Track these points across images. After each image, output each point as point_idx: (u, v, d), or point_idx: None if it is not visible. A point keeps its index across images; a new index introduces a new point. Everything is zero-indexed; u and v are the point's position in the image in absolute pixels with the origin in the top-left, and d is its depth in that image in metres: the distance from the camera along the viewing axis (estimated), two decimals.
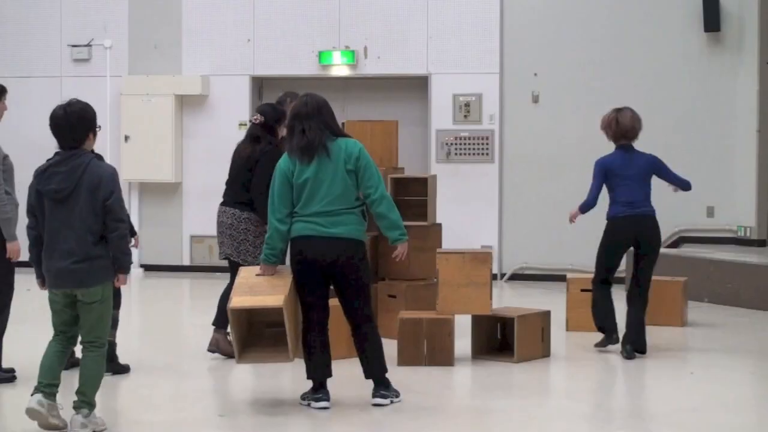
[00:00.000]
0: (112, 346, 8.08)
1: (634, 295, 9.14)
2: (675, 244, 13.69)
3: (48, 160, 6.55)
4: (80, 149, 6.48)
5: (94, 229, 6.40)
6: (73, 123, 6.46)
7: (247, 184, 8.77)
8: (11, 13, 15.22)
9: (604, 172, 9.18)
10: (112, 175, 6.49)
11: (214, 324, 8.94)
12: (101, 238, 6.44)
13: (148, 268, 14.98)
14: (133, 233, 8.36)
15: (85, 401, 6.47)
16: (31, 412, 6.48)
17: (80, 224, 6.39)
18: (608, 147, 9.36)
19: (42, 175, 6.50)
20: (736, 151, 13.81)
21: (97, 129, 6.61)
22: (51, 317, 6.62)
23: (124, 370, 8.24)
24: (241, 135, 14.76)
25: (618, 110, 9.26)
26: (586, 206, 9.24)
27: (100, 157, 8.10)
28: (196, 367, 8.73)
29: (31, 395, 6.54)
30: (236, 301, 7.03)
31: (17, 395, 7.49)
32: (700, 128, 13.88)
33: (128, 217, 8.26)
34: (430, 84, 14.43)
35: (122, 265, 6.50)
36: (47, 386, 6.54)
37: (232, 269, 8.85)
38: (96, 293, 6.45)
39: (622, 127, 9.18)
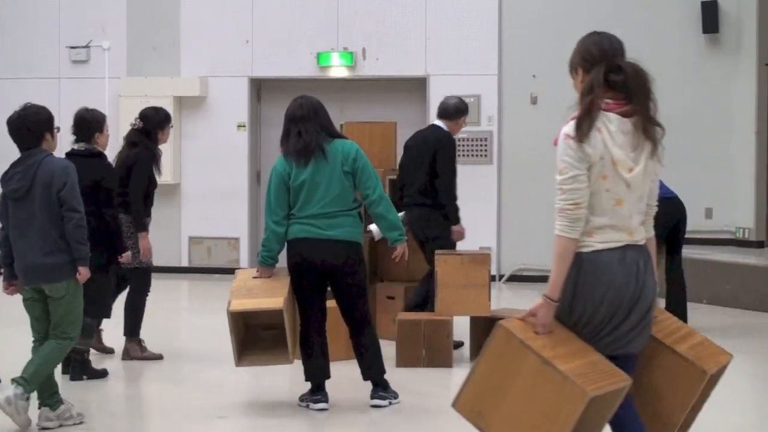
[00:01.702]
0: (83, 353, 8.09)
1: (677, 279, 10.06)
2: None
3: None
4: (37, 148, 6.58)
5: (56, 223, 6.51)
6: (28, 125, 6.58)
7: (121, 188, 8.73)
8: (9, 15, 15.23)
9: None
10: (65, 168, 6.58)
11: (124, 334, 8.87)
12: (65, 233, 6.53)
13: None
14: (123, 249, 8.30)
15: (24, 378, 6.51)
16: (42, 428, 6.63)
17: (41, 220, 6.51)
18: None
19: (4, 177, 6.65)
20: (735, 153, 13.85)
21: (56, 130, 6.71)
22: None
23: (100, 375, 8.19)
24: (240, 136, 14.98)
25: None
26: None
27: (100, 155, 8.17)
28: (193, 369, 8.75)
29: (38, 408, 6.67)
30: (236, 304, 7.04)
31: None
32: (698, 130, 13.91)
33: (120, 231, 8.27)
34: (429, 85, 14.45)
35: (78, 255, 6.54)
36: (48, 397, 6.67)
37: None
38: (62, 288, 6.54)
39: None
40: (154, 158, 8.76)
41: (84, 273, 6.58)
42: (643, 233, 4.47)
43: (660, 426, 4.55)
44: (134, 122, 8.88)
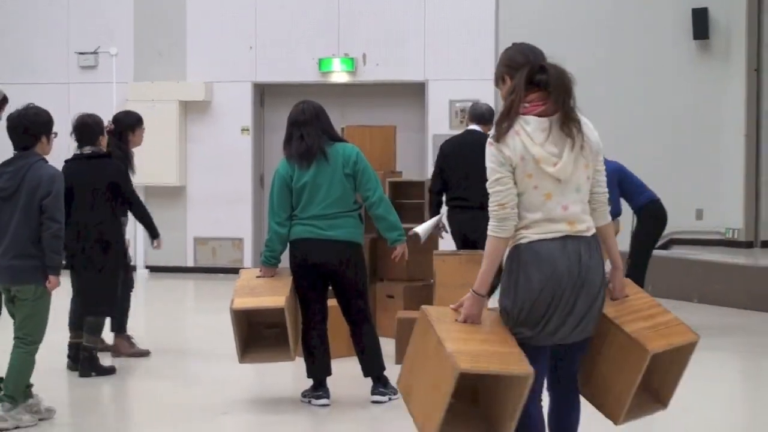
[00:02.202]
0: (92, 351, 8.18)
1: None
2: (665, 246, 13.79)
3: None
4: (31, 151, 6.63)
5: (33, 228, 6.53)
6: (26, 125, 6.62)
7: None
8: (19, 20, 15.35)
9: (617, 181, 9.79)
10: (53, 176, 6.60)
11: (112, 330, 8.96)
12: (41, 239, 6.56)
13: (152, 269, 15.08)
14: (155, 234, 8.55)
15: (6, 395, 6.58)
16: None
17: (20, 222, 6.53)
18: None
19: None
20: (725, 156, 13.94)
21: (53, 135, 6.74)
22: None
23: (108, 371, 8.28)
24: (244, 140, 15.13)
25: None
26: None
27: (109, 156, 8.37)
28: (198, 366, 8.85)
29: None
30: (238, 303, 7.12)
31: None
32: (689, 133, 14.02)
33: (150, 218, 8.52)
34: (427, 90, 14.57)
35: (51, 264, 6.53)
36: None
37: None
38: (29, 291, 6.55)
39: None
40: (127, 159, 8.97)
41: (54, 282, 6.57)
42: (588, 222, 4.59)
43: (613, 400, 4.76)
44: (107, 125, 9.12)
